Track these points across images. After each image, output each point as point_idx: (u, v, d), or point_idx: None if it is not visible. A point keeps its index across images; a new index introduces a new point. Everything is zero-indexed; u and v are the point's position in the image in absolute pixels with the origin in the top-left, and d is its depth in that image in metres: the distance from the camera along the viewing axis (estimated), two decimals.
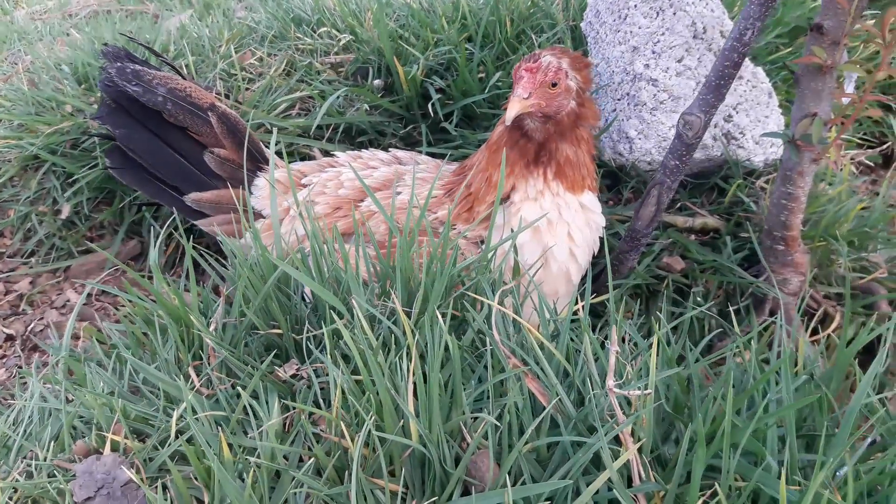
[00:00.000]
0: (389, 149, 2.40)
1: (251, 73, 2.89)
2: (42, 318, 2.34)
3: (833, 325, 2.35)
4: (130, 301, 1.59)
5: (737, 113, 2.53)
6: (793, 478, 1.21)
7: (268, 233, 2.10)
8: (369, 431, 1.16)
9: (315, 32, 3.03)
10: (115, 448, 1.30)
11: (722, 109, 2.50)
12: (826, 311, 2.39)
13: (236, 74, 2.82)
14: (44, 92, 2.68)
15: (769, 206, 2.23)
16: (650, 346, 1.34)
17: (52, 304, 2.42)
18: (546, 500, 1.15)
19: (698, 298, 2.29)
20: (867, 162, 3.06)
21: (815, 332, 2.42)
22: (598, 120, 1.98)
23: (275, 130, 2.12)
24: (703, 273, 2.38)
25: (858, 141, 3.13)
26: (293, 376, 1.44)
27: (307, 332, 1.44)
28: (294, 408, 1.36)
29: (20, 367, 2.14)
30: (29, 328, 2.31)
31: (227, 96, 2.75)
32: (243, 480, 1.21)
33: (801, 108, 1.98)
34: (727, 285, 2.39)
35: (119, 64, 2.06)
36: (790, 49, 2.91)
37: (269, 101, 2.70)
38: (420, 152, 2.47)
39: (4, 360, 2.19)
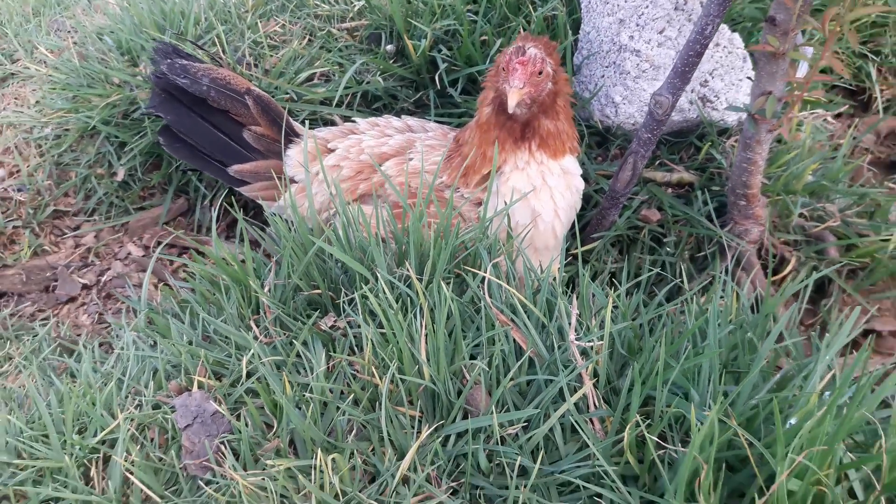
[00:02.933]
0: (402, 115, 2.74)
1: (275, 40, 3.19)
2: (109, 269, 2.75)
3: (788, 269, 2.72)
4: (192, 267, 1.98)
5: (712, 78, 2.83)
6: (710, 404, 1.61)
7: (301, 194, 2.48)
8: (393, 374, 1.57)
9: None
10: (200, 387, 1.72)
11: (698, 75, 2.80)
12: (783, 256, 2.76)
13: (262, 42, 3.12)
14: (92, 66, 3.00)
15: (733, 168, 2.57)
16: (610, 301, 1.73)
17: (116, 255, 2.82)
18: (524, 422, 1.56)
19: (668, 249, 2.66)
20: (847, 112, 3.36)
21: (775, 272, 2.81)
22: (570, 89, 2.33)
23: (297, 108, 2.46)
24: (676, 224, 2.74)
25: (845, 87, 3.39)
26: (332, 327, 1.85)
27: (343, 297, 1.84)
28: (334, 356, 1.77)
29: (100, 314, 2.57)
30: (101, 278, 2.72)
31: (255, 65, 3.06)
32: (300, 409, 1.63)
33: (758, 86, 2.29)
34: (697, 234, 2.75)
35: (169, 60, 2.40)
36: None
37: (293, 69, 3.01)
38: (428, 118, 2.81)
39: (86, 307, 2.62)
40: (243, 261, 1.95)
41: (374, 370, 1.61)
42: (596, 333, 1.67)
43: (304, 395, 1.65)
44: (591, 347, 1.60)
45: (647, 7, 2.77)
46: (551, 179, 2.29)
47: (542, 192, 2.28)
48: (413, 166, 2.37)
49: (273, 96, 2.89)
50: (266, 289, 1.89)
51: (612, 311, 1.72)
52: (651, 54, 2.75)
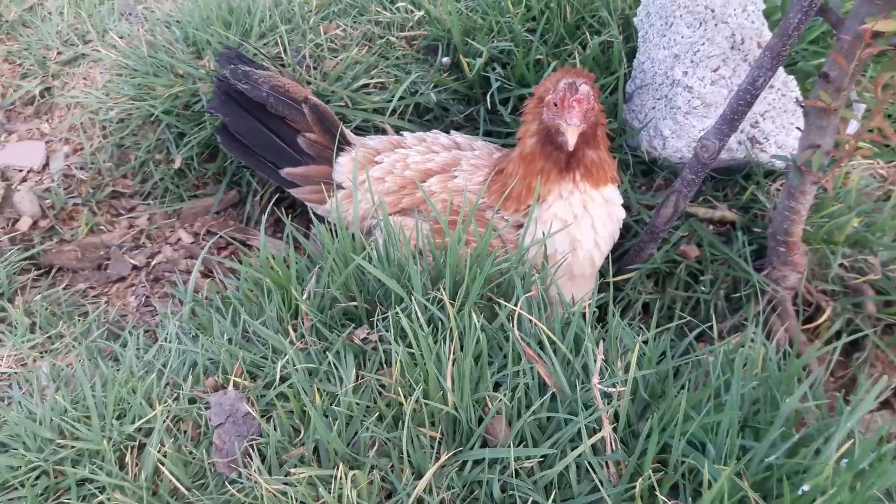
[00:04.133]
0: (451, 131, 2.80)
1: (335, 44, 3.27)
2: (160, 252, 2.87)
3: (822, 318, 2.71)
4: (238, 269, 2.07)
5: (763, 119, 2.82)
6: (728, 461, 1.64)
7: (346, 200, 2.56)
8: (418, 397, 1.63)
9: (393, 5, 3.37)
10: (235, 386, 1.81)
11: (749, 116, 2.80)
12: (819, 305, 2.75)
13: (322, 45, 3.20)
14: (159, 55, 3.12)
15: (775, 214, 2.57)
16: (637, 344, 1.78)
17: (167, 240, 2.94)
18: (540, 458, 1.61)
19: (703, 288, 2.67)
20: None
21: (810, 320, 2.80)
22: (605, 119, 2.41)
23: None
24: (714, 263, 2.75)
25: None
26: (364, 339, 1.92)
27: (378, 312, 1.91)
28: (364, 371, 1.85)
29: (147, 297, 2.69)
30: (150, 261, 2.85)
31: (315, 67, 3.14)
32: (327, 418, 1.71)
33: (807, 138, 2.30)
34: (734, 275, 2.75)
35: (232, 66, 2.51)
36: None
37: (351, 75, 3.09)
38: (477, 135, 2.86)
39: (134, 289, 2.74)
40: (287, 264, 2.03)
41: (400, 390, 1.68)
42: (620, 377, 1.71)
43: (332, 406, 1.72)
44: (614, 393, 1.65)
45: (704, 44, 2.78)
46: (593, 208, 2.34)
47: (583, 221, 2.33)
48: (456, 185, 2.43)
49: (328, 101, 2.97)
50: (305, 296, 1.97)
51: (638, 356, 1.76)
52: (703, 92, 2.76)
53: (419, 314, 1.76)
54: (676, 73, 2.79)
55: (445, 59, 3.17)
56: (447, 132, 2.76)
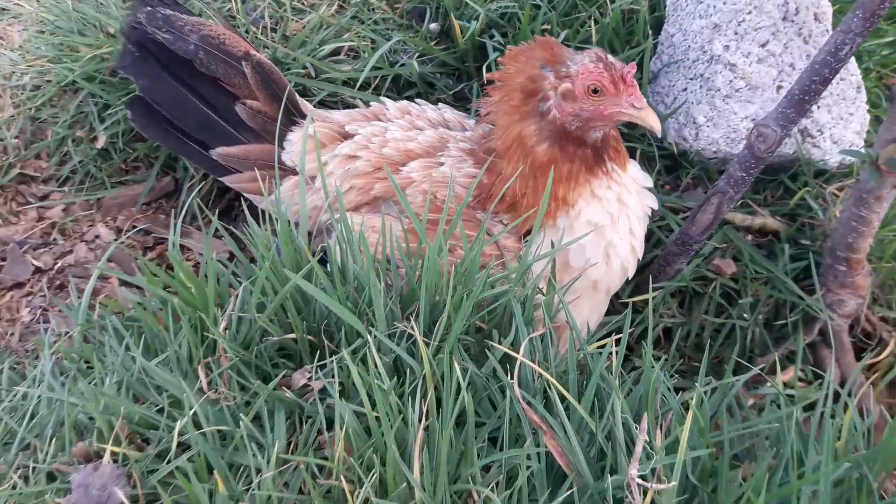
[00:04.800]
0: (440, 104, 2.25)
1: (302, 3, 2.72)
2: (71, 252, 2.32)
3: (885, 353, 2.21)
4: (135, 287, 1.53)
5: (817, 108, 2.30)
6: None
7: (297, 190, 2.00)
8: (367, 497, 1.10)
9: None
10: (113, 457, 1.27)
11: None
12: (881, 337, 2.25)
13: (285, 4, 2.66)
14: (86, 10, 2.56)
15: (837, 224, 2.06)
16: (683, 409, 1.26)
17: (83, 236, 2.39)
18: None
19: (744, 315, 2.16)
20: None
21: (862, 351, 2.30)
22: None
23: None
24: (754, 282, 2.23)
25: None
26: (303, 388, 1.39)
27: (328, 349, 1.38)
28: (298, 436, 1.32)
29: (45, 310, 2.14)
30: (58, 263, 2.29)
31: (274, 29, 2.60)
32: None
33: (890, 129, 1.79)
34: (778, 297, 2.24)
35: (149, 8, 1.93)
36: None
37: (318, 39, 2.55)
38: (469, 115, 2.32)
39: (31, 299, 2.19)
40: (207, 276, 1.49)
41: (343, 478, 1.15)
42: (661, 460, 1.19)
43: (247, 492, 1.19)
44: (657, 489, 1.12)
45: (750, 13, 2.25)
46: (628, 198, 1.88)
47: (620, 220, 1.86)
48: (442, 174, 1.90)
49: (287, 69, 2.43)
50: (223, 325, 1.44)
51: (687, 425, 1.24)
52: (749, 71, 2.24)
53: (377, 360, 1.23)
54: (716, 47, 2.26)
55: (434, 26, 2.62)
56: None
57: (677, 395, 1.75)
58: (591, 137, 1.78)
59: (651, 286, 2.17)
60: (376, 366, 1.23)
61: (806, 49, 2.28)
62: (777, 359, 2.17)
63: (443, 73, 2.57)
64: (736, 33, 2.25)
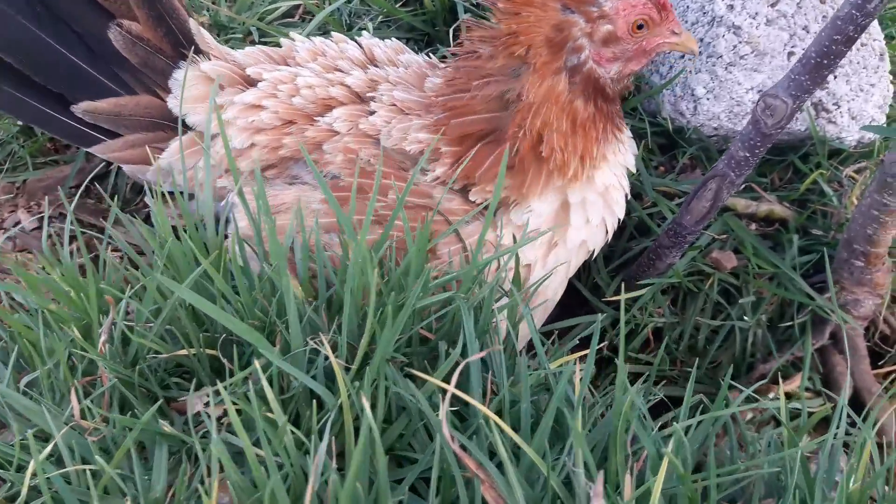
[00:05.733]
0: (363, 32, 1.85)
1: None
2: None
3: None
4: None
5: (834, 78, 2.01)
6: None
7: (193, 149, 1.60)
8: None
9: None
10: None
11: None
12: None
13: None
14: None
15: (854, 213, 1.78)
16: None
17: (2, 223, 2.12)
18: None
19: (745, 316, 1.88)
20: None
21: (879, 357, 2.03)
22: None
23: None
24: (757, 278, 1.95)
25: None
26: (196, 416, 1.13)
27: (233, 374, 1.11)
28: (190, 467, 1.06)
29: None
30: None
31: None
32: None
33: None
34: (784, 296, 1.97)
35: None
36: None
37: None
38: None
39: None
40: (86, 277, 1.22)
41: None
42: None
43: None
44: None
45: None
46: (629, 158, 1.66)
47: (622, 182, 1.65)
48: (372, 125, 1.53)
49: (228, 39, 2.13)
50: (102, 339, 1.17)
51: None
52: (755, 34, 1.94)
53: (266, 388, 0.97)
54: (718, 6, 1.97)
55: None
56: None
57: (661, 416, 1.50)
58: (621, 86, 1.53)
59: (638, 283, 1.92)
60: (267, 395, 0.96)
61: (822, 9, 1.99)
62: (781, 366, 1.93)
63: (408, 38, 2.28)
64: None
